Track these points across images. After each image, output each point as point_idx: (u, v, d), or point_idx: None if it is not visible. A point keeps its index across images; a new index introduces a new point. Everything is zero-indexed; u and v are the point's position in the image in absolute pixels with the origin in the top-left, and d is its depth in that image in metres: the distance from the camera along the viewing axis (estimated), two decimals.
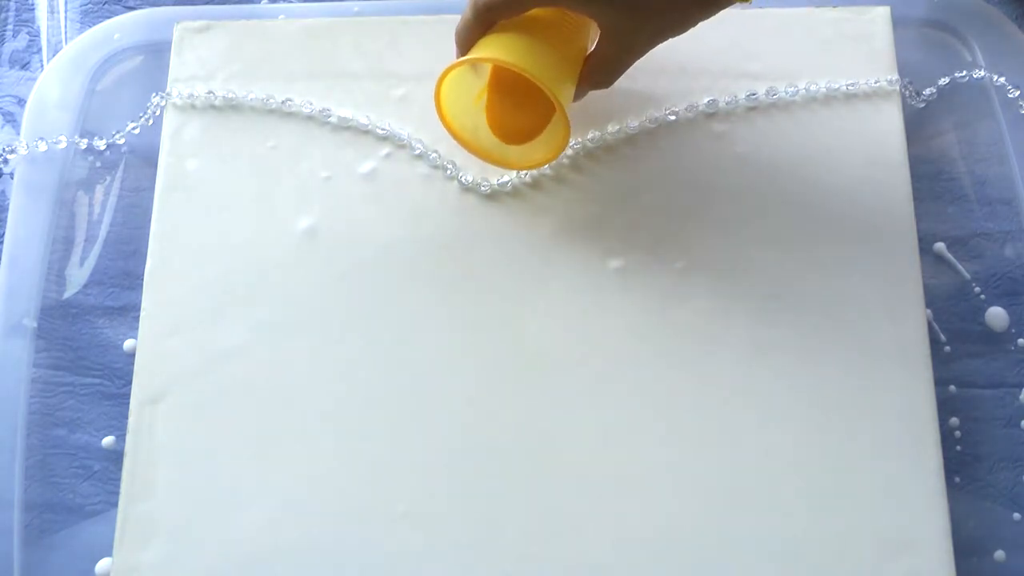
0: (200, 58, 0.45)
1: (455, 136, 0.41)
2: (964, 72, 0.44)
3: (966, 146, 0.44)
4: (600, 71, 0.39)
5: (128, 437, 0.39)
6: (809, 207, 0.41)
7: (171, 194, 0.43)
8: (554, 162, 0.42)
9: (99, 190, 0.46)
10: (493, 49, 0.37)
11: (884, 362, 0.39)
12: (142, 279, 0.42)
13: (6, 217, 0.44)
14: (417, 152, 0.43)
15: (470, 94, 0.40)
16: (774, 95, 0.43)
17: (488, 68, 0.40)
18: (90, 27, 0.48)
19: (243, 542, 0.38)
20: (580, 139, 0.43)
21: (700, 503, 0.37)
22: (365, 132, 0.44)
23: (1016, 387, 0.41)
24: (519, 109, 0.40)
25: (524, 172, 0.42)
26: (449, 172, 0.43)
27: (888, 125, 0.42)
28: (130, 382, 0.40)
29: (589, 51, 0.39)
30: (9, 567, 0.39)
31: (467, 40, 0.38)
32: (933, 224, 0.43)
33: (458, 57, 0.38)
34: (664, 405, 0.39)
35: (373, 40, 0.45)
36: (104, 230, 0.45)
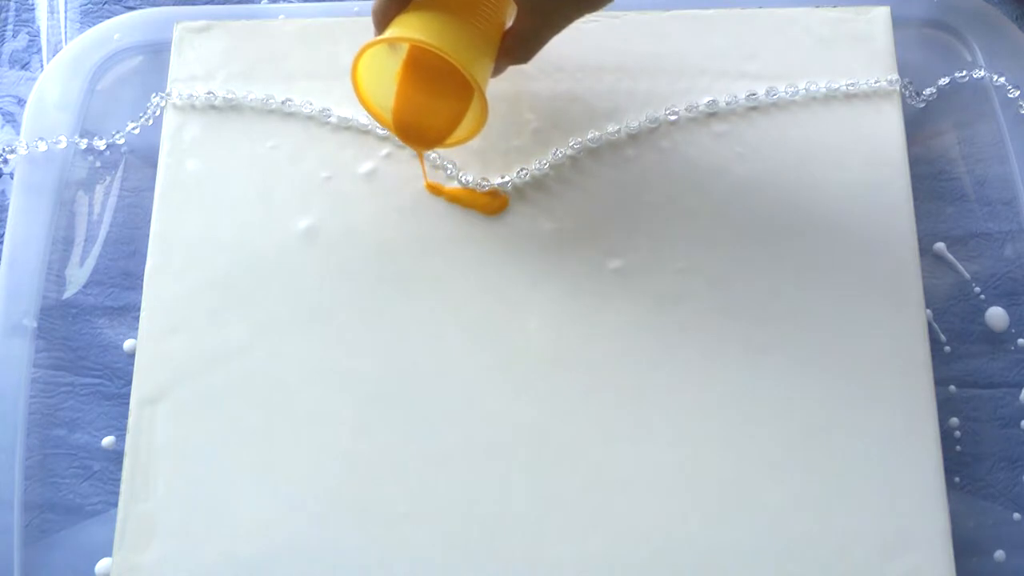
0: (200, 58, 0.45)
1: (375, 116, 0.40)
2: (964, 72, 0.44)
3: (966, 146, 0.44)
4: (519, 47, 0.39)
5: (128, 437, 0.39)
6: (809, 207, 0.41)
7: (171, 194, 0.43)
8: (550, 161, 0.42)
9: (99, 190, 0.46)
10: (409, 27, 0.36)
11: (884, 362, 0.39)
12: (142, 279, 0.42)
13: (6, 217, 0.44)
14: (417, 152, 0.43)
15: (390, 72, 0.40)
16: (774, 95, 0.43)
17: (406, 45, 0.39)
18: (90, 27, 0.48)
19: (243, 542, 0.38)
20: (580, 139, 0.43)
21: (700, 503, 0.38)
22: (365, 132, 0.44)
23: (1016, 387, 0.41)
24: (438, 86, 0.39)
25: (523, 172, 0.42)
26: (449, 172, 0.43)
27: (888, 125, 0.42)
28: (130, 382, 0.40)
29: (507, 27, 0.39)
30: (9, 567, 0.39)
31: (384, 17, 0.37)
32: (933, 224, 0.43)
33: (376, 35, 0.37)
34: (664, 404, 0.39)
35: None
36: (104, 230, 0.45)
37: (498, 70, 0.39)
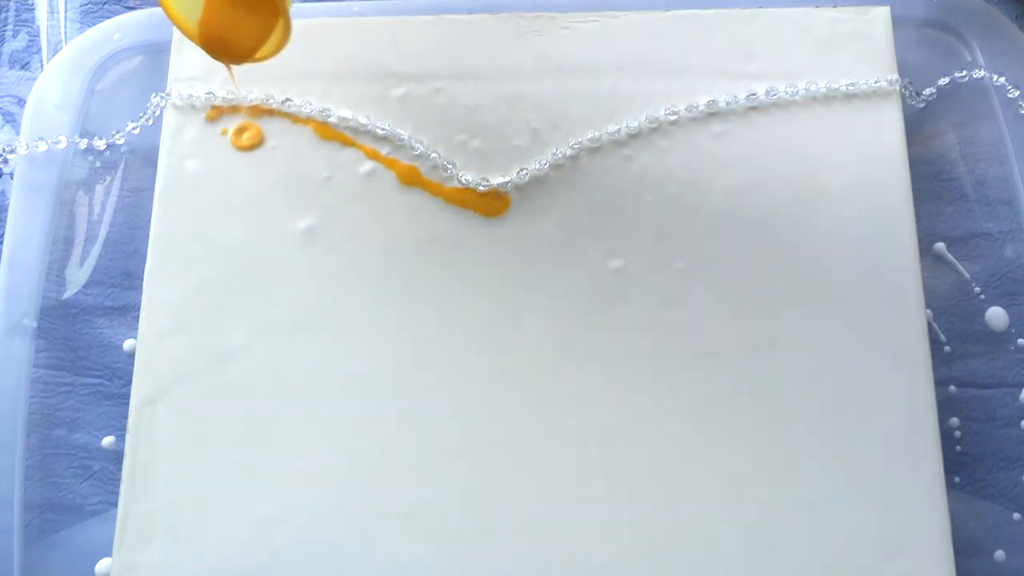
0: (200, 58, 0.45)
1: (181, 28, 0.39)
2: (964, 72, 0.44)
3: (966, 146, 0.44)
4: None
5: (128, 437, 0.39)
6: (809, 207, 0.41)
7: (171, 194, 0.43)
8: (550, 161, 0.42)
9: (99, 190, 0.46)
10: None
11: (884, 362, 0.39)
12: (142, 279, 0.42)
13: (6, 217, 0.44)
14: (417, 152, 0.43)
15: None
16: (774, 95, 0.43)
17: None
18: (90, 27, 0.48)
19: (243, 542, 0.38)
20: (580, 139, 0.43)
21: (699, 503, 0.38)
22: (365, 132, 0.44)
23: (1016, 387, 0.41)
24: (243, 2, 0.39)
25: (523, 171, 0.42)
26: (449, 172, 0.43)
27: (888, 125, 0.42)
28: (130, 382, 0.40)
29: None
30: (9, 567, 0.39)
31: None
32: (933, 224, 0.43)
33: None
34: (663, 404, 0.39)
35: (373, 40, 0.45)
36: (104, 230, 0.45)
37: None
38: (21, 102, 0.48)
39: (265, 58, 0.40)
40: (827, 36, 0.44)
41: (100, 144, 0.46)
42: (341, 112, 0.44)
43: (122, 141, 0.46)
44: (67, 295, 0.44)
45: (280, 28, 0.38)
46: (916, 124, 0.44)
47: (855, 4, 0.44)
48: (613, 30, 0.45)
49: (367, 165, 0.43)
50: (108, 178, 0.46)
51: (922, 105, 0.44)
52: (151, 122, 0.45)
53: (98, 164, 0.46)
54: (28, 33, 0.50)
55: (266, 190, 0.43)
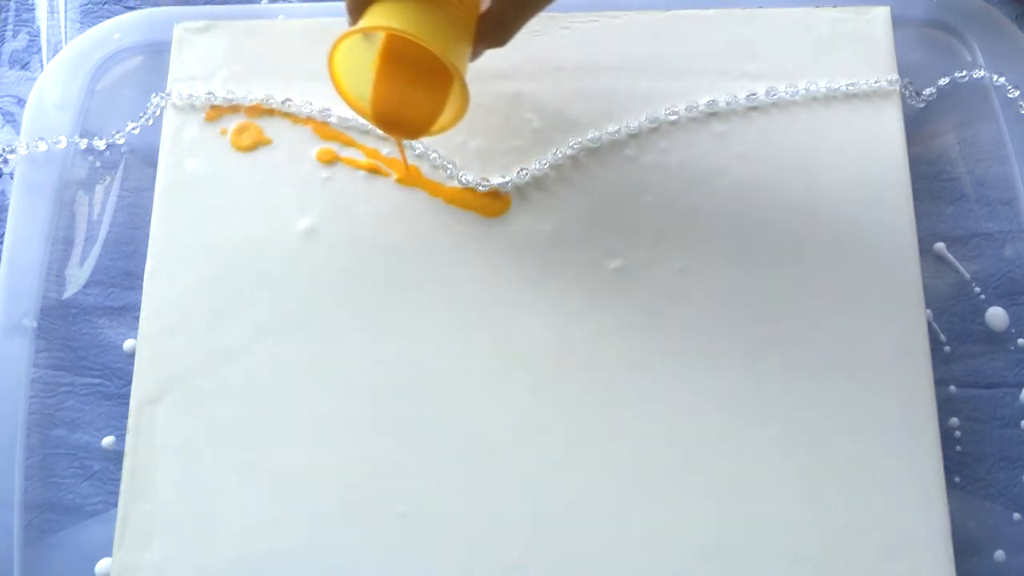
0: (200, 58, 0.45)
1: (355, 108, 0.39)
2: (964, 72, 0.44)
3: (966, 146, 0.44)
4: (496, 30, 0.38)
5: (128, 437, 0.40)
6: (809, 207, 0.41)
7: (171, 194, 0.43)
8: (550, 161, 0.42)
9: (99, 190, 0.46)
10: (384, 16, 0.35)
11: (884, 362, 0.39)
12: (142, 279, 0.42)
13: (6, 217, 0.44)
14: (417, 152, 0.43)
15: (368, 62, 0.39)
16: (774, 95, 0.43)
17: (382, 34, 0.39)
18: (90, 27, 0.48)
19: (243, 542, 0.38)
20: (580, 139, 0.43)
21: (700, 503, 0.38)
22: (365, 132, 0.44)
23: (1016, 387, 0.41)
24: (415, 74, 0.39)
25: (523, 172, 0.42)
26: (449, 172, 0.43)
27: (888, 125, 0.42)
28: (130, 382, 0.40)
29: (483, 10, 0.38)
30: (9, 567, 0.39)
31: (358, 7, 0.36)
32: (933, 224, 0.43)
33: (349, 26, 0.37)
34: (664, 405, 0.39)
35: None
36: (104, 230, 0.45)
37: (475, 54, 0.39)
38: (21, 102, 0.48)
39: (443, 130, 0.40)
40: (827, 36, 0.44)
41: (100, 144, 0.46)
42: (341, 112, 0.44)
43: (122, 141, 0.46)
44: (67, 295, 0.44)
45: (456, 99, 0.38)
46: (916, 124, 0.44)
47: (855, 4, 0.44)
48: (613, 30, 0.45)
49: (367, 165, 0.43)
50: (108, 178, 0.46)
51: (922, 105, 0.44)
52: (151, 122, 0.45)
53: (98, 164, 0.46)
54: (28, 33, 0.50)
55: (266, 190, 0.43)
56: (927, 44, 0.45)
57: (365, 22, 0.36)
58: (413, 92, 0.39)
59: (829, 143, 0.42)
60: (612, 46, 0.44)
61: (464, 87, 0.36)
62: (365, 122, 0.43)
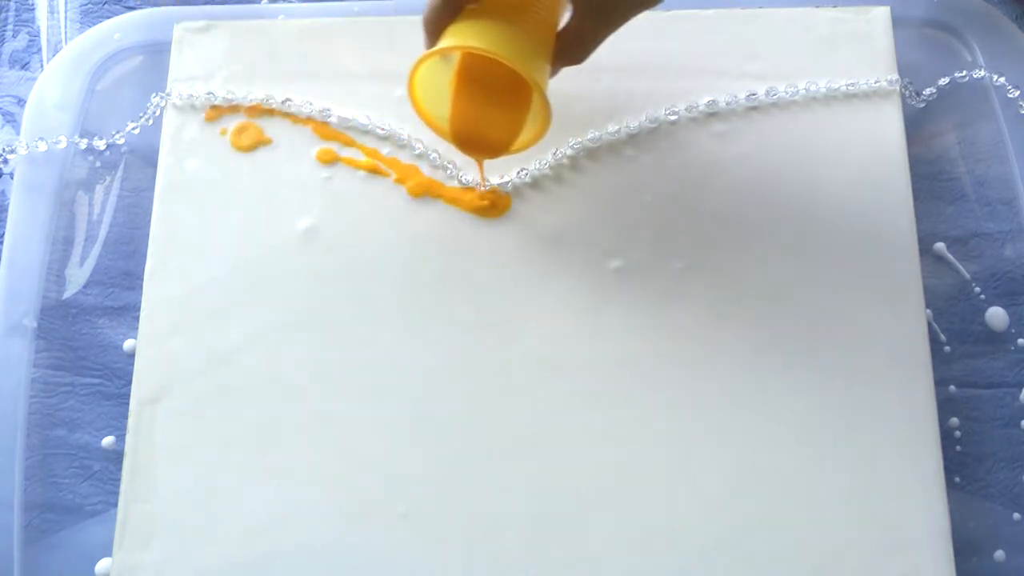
0: (200, 58, 0.45)
1: (433, 128, 0.40)
2: (964, 72, 0.44)
3: (966, 146, 0.44)
4: (574, 48, 0.38)
5: (128, 437, 0.40)
6: (809, 207, 0.41)
7: (171, 194, 0.43)
8: (550, 161, 0.42)
9: (99, 190, 0.46)
10: (463, 36, 0.35)
11: (884, 362, 0.39)
12: (142, 279, 0.42)
13: (6, 217, 0.44)
14: (417, 152, 0.43)
15: (445, 82, 0.39)
16: (774, 95, 0.43)
17: (458, 55, 0.39)
18: (90, 27, 0.48)
19: (243, 542, 0.38)
20: (580, 139, 0.43)
21: (699, 503, 0.38)
22: (365, 132, 0.44)
23: (1016, 387, 0.41)
24: (493, 94, 0.39)
25: (523, 172, 0.42)
26: (449, 172, 0.43)
27: (888, 125, 0.42)
28: (130, 382, 0.40)
29: (561, 27, 0.38)
30: (9, 567, 0.39)
31: (436, 28, 0.36)
32: (933, 224, 0.43)
33: (427, 47, 0.37)
34: (664, 405, 0.39)
35: (373, 40, 0.45)
36: (104, 230, 0.45)
37: (553, 72, 0.39)
38: (21, 102, 0.48)
39: (523, 149, 0.40)
40: (827, 36, 0.44)
41: (100, 144, 0.46)
42: (341, 112, 0.44)
43: (122, 141, 0.46)
44: (67, 295, 0.44)
45: (537, 116, 0.38)
46: (916, 124, 0.44)
47: (855, 4, 0.44)
48: None
49: (367, 165, 0.43)
50: (108, 178, 0.46)
51: (922, 105, 0.44)
52: (151, 122, 0.45)
53: (98, 164, 0.46)
54: (28, 33, 0.50)
55: (266, 190, 0.43)
56: (927, 44, 0.45)
57: (447, 42, 0.35)
58: (491, 111, 0.39)
59: (829, 143, 0.42)
60: (612, 46, 0.44)
61: (547, 104, 0.36)
62: (365, 122, 0.43)
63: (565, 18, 0.38)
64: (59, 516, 0.41)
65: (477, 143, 0.40)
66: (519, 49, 0.35)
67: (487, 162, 0.41)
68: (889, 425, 0.38)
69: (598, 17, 0.37)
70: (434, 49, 0.36)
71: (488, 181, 0.42)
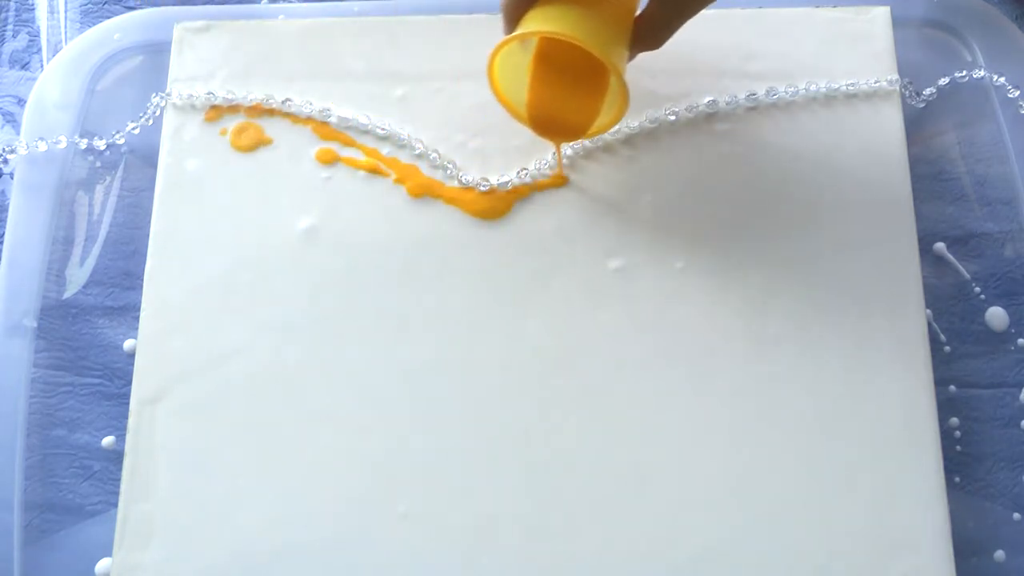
0: (200, 58, 0.45)
1: (512, 112, 0.40)
2: (964, 72, 0.44)
3: (966, 146, 0.44)
4: (651, 33, 0.38)
5: (128, 437, 0.40)
6: (809, 207, 0.41)
7: (171, 194, 0.43)
8: (550, 161, 0.42)
9: (99, 190, 0.46)
10: (543, 21, 0.36)
11: (884, 362, 0.39)
12: (142, 279, 0.42)
13: (6, 217, 0.44)
14: (417, 152, 0.43)
15: (523, 67, 0.40)
16: (774, 95, 0.43)
17: (535, 40, 0.39)
18: (90, 27, 0.48)
19: (243, 542, 0.38)
20: (580, 139, 0.43)
21: (699, 503, 0.38)
22: (365, 132, 0.44)
23: (1016, 387, 0.41)
24: (570, 78, 0.39)
25: (523, 172, 0.42)
26: (449, 172, 0.43)
27: (888, 125, 0.42)
28: (130, 382, 0.40)
29: (638, 12, 0.38)
30: (9, 567, 0.39)
31: (514, 14, 0.37)
32: (933, 224, 0.43)
33: (506, 33, 0.37)
34: (664, 405, 0.39)
35: (373, 40, 0.45)
36: (104, 230, 0.45)
37: (630, 56, 0.39)
38: (21, 102, 0.48)
39: (601, 132, 0.40)
40: (827, 36, 0.44)
41: (100, 144, 0.46)
42: (341, 112, 0.44)
43: (122, 141, 0.46)
44: (67, 295, 0.44)
45: (615, 100, 0.38)
46: (916, 124, 0.44)
47: (855, 4, 0.44)
48: None
49: (367, 165, 0.43)
50: (108, 178, 0.46)
51: (922, 105, 0.44)
52: (151, 122, 0.45)
53: (98, 164, 0.46)
54: (28, 33, 0.50)
55: (266, 190, 0.43)
56: (927, 44, 0.45)
57: (524, 28, 0.36)
58: (569, 96, 0.40)
59: (829, 143, 0.42)
60: None
61: (624, 87, 0.36)
62: (365, 122, 0.43)
63: (643, 4, 0.38)
64: (59, 516, 0.41)
65: (554, 127, 0.41)
66: (597, 34, 0.36)
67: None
68: (889, 425, 0.38)
69: (674, 4, 0.37)
70: (514, 35, 0.36)
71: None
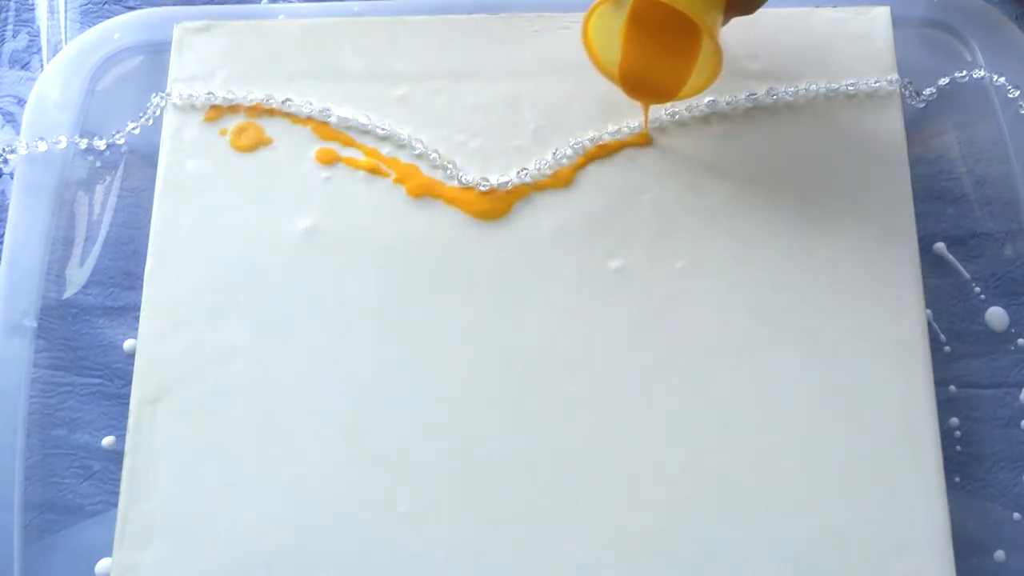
0: (200, 58, 0.45)
1: (604, 72, 0.41)
2: (964, 72, 0.44)
3: (966, 146, 0.44)
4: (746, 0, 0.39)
5: (128, 437, 0.39)
6: (809, 207, 0.41)
7: (171, 194, 0.43)
8: (553, 162, 0.42)
9: (99, 190, 0.46)
10: None
11: (884, 362, 0.39)
12: (142, 279, 0.42)
13: (6, 217, 0.44)
14: (417, 152, 0.43)
15: (616, 28, 0.40)
16: (774, 95, 0.43)
17: (629, 1, 0.40)
18: (90, 27, 0.48)
19: (243, 542, 0.38)
20: (580, 139, 0.43)
21: (699, 503, 0.38)
22: (365, 132, 0.44)
23: (1016, 387, 0.41)
24: (663, 40, 0.40)
25: (523, 171, 0.42)
26: (449, 171, 0.43)
27: (888, 125, 0.42)
28: (130, 382, 0.40)
29: None
30: (9, 567, 0.39)
31: None
32: (933, 224, 0.43)
33: None
34: (663, 405, 0.39)
35: (373, 40, 0.45)
36: (104, 230, 0.45)
37: (724, 21, 0.39)
38: (21, 102, 0.48)
39: (693, 94, 0.41)
40: (827, 36, 0.44)
41: (100, 144, 0.46)
42: (341, 112, 0.44)
43: (122, 141, 0.46)
44: (67, 295, 0.44)
45: (708, 62, 0.39)
46: (916, 124, 0.44)
47: (855, 4, 0.44)
48: None
49: (367, 165, 0.43)
50: (108, 178, 0.46)
51: (922, 105, 0.44)
52: (151, 122, 0.45)
53: (98, 164, 0.46)
54: (28, 33, 0.50)
55: (266, 190, 0.43)
56: (927, 44, 0.45)
57: None
58: (661, 57, 0.40)
59: (829, 143, 0.42)
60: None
61: (718, 51, 0.37)
62: (365, 122, 0.43)
63: None
64: (59, 516, 0.41)
65: (645, 88, 0.41)
66: None
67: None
68: (889, 425, 0.38)
69: None
70: None
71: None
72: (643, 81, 0.41)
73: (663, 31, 0.39)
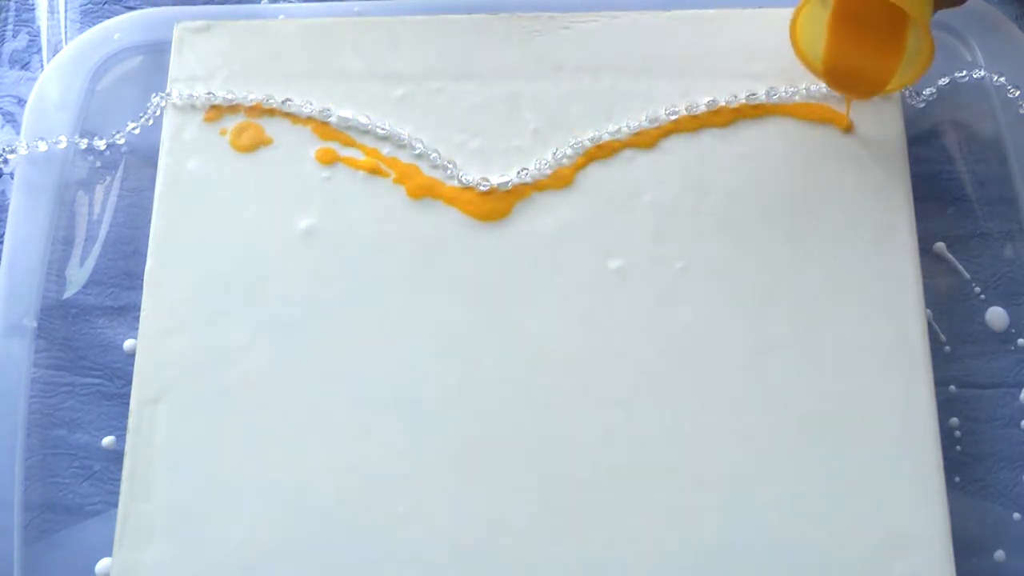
0: (200, 58, 0.45)
1: (809, 66, 0.41)
2: (964, 72, 0.44)
3: (966, 146, 0.44)
4: None
5: (128, 437, 0.39)
6: (809, 207, 0.41)
7: (171, 194, 0.43)
8: (553, 162, 0.42)
9: (99, 190, 0.46)
10: None
11: (884, 362, 0.39)
12: (142, 279, 0.42)
13: (6, 217, 0.44)
14: (417, 152, 0.43)
15: (821, 22, 0.40)
16: (774, 95, 0.43)
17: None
18: (90, 27, 0.48)
19: (243, 542, 0.38)
20: (580, 139, 0.43)
21: (699, 503, 0.38)
22: (365, 132, 0.44)
23: (1016, 387, 0.41)
24: (867, 33, 0.40)
25: (523, 172, 0.42)
26: (449, 171, 0.43)
27: (888, 125, 0.42)
28: (130, 382, 0.40)
29: None
30: (9, 567, 0.39)
31: None
32: (933, 224, 0.43)
33: None
34: (663, 405, 0.39)
35: (373, 40, 0.45)
36: (104, 230, 0.45)
37: (933, 11, 0.39)
38: (21, 102, 0.48)
39: (899, 88, 0.41)
40: None
41: (100, 144, 0.46)
42: (341, 112, 0.44)
43: (122, 141, 0.46)
44: (67, 295, 0.44)
45: (919, 54, 0.39)
46: (916, 124, 0.44)
47: None
48: (613, 30, 0.45)
49: (367, 165, 0.43)
50: (108, 178, 0.46)
51: (922, 105, 0.44)
52: (151, 122, 0.45)
53: (98, 164, 0.46)
54: (28, 33, 0.50)
55: (266, 190, 0.43)
56: None
57: None
58: (866, 51, 0.40)
59: (829, 143, 0.42)
60: (612, 46, 0.44)
61: (930, 41, 0.37)
62: (365, 122, 0.43)
63: None
64: (59, 516, 0.41)
65: (850, 81, 0.41)
66: None
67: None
68: (889, 425, 0.38)
69: None
70: None
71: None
72: (848, 74, 0.41)
73: (869, 24, 0.40)
